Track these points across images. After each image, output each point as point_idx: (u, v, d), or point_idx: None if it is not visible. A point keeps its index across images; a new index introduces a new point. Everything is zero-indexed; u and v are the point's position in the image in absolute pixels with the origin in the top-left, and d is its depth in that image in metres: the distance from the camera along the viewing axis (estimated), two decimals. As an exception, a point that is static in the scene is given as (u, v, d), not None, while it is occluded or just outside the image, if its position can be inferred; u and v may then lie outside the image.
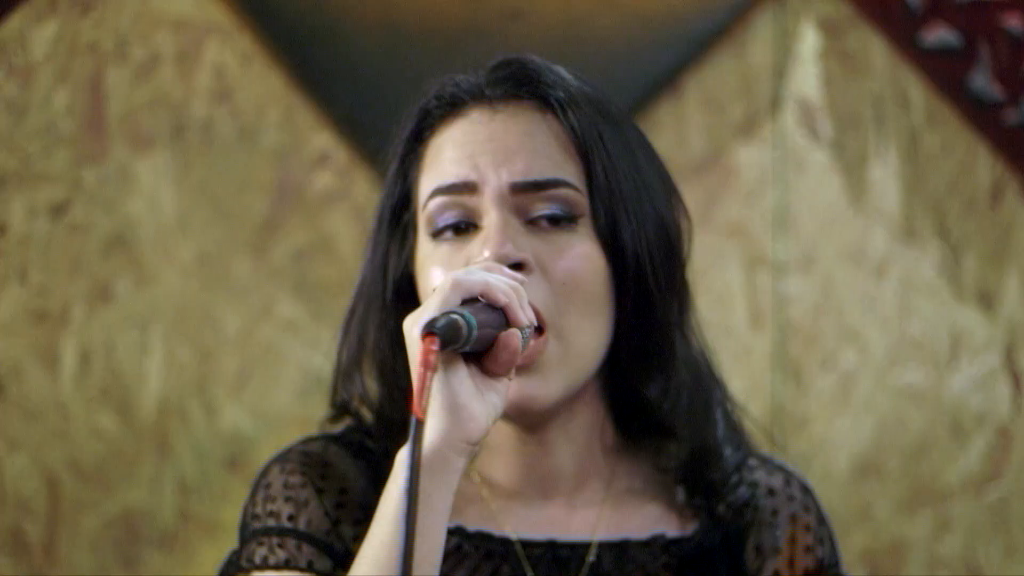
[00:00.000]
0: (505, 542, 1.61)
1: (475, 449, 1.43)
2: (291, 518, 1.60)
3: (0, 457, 2.46)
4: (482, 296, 1.43)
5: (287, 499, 1.61)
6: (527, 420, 1.59)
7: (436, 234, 1.59)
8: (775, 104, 2.54)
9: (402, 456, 1.41)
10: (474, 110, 1.62)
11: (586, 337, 1.57)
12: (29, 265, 2.48)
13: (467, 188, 1.57)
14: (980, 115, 2.52)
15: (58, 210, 2.48)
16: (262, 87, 2.51)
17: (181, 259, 2.49)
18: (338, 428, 1.70)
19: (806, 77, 2.54)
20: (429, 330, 1.34)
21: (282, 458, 1.65)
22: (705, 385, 1.68)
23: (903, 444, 2.53)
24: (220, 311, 2.50)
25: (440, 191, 1.58)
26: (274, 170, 2.51)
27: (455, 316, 1.37)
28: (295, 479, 1.62)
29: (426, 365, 1.32)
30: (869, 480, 2.53)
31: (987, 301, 2.53)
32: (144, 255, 2.49)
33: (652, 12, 2.51)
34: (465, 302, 1.42)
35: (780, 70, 2.54)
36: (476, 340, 1.39)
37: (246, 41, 2.51)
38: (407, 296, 1.64)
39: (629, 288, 1.59)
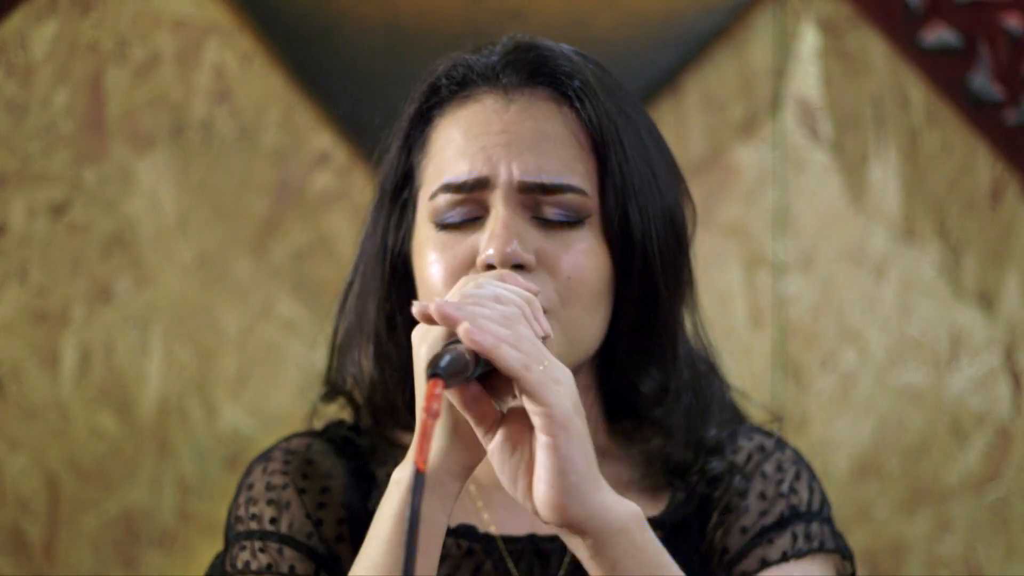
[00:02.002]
0: (487, 538, 1.60)
1: (471, 472, 1.42)
2: (273, 521, 1.59)
3: (0, 457, 2.46)
4: None
5: (269, 501, 1.60)
6: None
7: (441, 226, 1.56)
8: (775, 104, 2.54)
9: (396, 475, 1.41)
10: (488, 96, 1.58)
11: (586, 330, 1.56)
12: (29, 265, 2.48)
13: (479, 184, 1.54)
14: (980, 115, 2.52)
15: (58, 210, 2.48)
16: (262, 87, 2.51)
17: (181, 259, 2.49)
18: (323, 423, 1.69)
19: (806, 77, 2.54)
20: (433, 372, 1.30)
21: (265, 458, 1.64)
22: (708, 382, 1.67)
23: (903, 444, 2.53)
24: (220, 311, 2.50)
25: (451, 188, 1.55)
26: (274, 170, 2.51)
27: (461, 347, 1.33)
28: (277, 480, 1.61)
29: (428, 411, 1.27)
30: (869, 480, 2.53)
31: (987, 301, 2.53)
32: (144, 255, 2.49)
33: (652, 12, 2.51)
34: None
35: (780, 70, 2.54)
36: (483, 364, 1.36)
37: (246, 41, 2.51)
38: (403, 276, 1.62)
39: (635, 283, 1.58)
